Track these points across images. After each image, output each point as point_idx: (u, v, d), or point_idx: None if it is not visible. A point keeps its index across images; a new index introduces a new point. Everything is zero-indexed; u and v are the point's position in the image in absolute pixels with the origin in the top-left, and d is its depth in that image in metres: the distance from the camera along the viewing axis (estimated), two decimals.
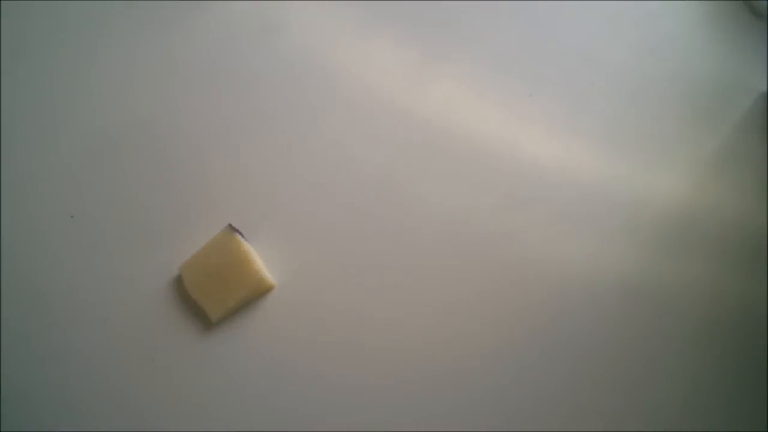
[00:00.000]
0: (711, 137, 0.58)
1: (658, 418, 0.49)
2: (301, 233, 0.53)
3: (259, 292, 0.50)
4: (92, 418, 0.48)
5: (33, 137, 0.55)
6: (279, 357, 0.49)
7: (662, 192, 0.55)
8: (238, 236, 0.50)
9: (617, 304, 0.52)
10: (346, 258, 0.52)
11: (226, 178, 0.54)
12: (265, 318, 0.50)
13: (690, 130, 0.58)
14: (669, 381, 0.50)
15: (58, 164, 0.54)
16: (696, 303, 0.52)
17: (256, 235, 0.52)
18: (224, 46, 0.58)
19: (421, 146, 0.56)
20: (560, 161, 0.56)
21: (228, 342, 0.50)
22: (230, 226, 0.51)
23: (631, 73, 0.59)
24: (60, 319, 0.50)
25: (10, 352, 0.49)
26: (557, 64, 0.59)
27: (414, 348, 0.50)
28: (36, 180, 0.53)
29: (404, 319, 0.50)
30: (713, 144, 0.57)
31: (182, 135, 0.55)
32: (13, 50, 0.57)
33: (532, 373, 0.50)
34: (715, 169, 0.56)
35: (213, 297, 0.49)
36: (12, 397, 0.48)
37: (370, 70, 0.58)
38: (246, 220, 0.52)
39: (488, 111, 0.57)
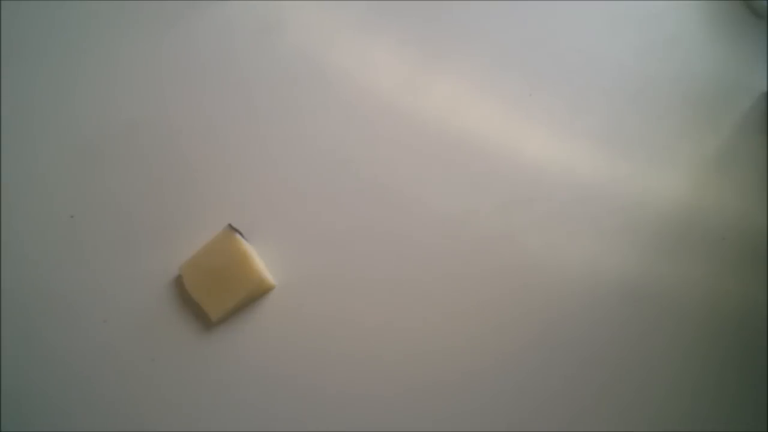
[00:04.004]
0: (711, 137, 0.58)
1: (660, 418, 0.49)
2: (301, 233, 0.53)
3: (259, 292, 0.50)
4: (93, 418, 0.48)
5: (33, 137, 0.55)
6: (279, 357, 0.49)
7: (663, 192, 0.55)
8: (238, 236, 0.50)
9: (618, 304, 0.52)
10: (346, 258, 0.52)
11: (226, 178, 0.54)
12: (265, 318, 0.50)
13: (690, 130, 0.58)
14: (670, 381, 0.50)
15: (58, 164, 0.54)
16: (697, 303, 0.52)
17: (256, 235, 0.52)
18: (224, 46, 0.58)
19: (420, 147, 0.56)
20: (561, 161, 0.56)
21: (228, 342, 0.50)
22: (230, 226, 0.51)
23: (631, 73, 0.59)
24: (60, 319, 0.50)
25: (11, 352, 0.49)
26: (557, 64, 0.59)
27: (413, 348, 0.50)
28: (36, 180, 0.53)
29: (403, 319, 0.50)
30: (714, 144, 0.57)
31: (182, 135, 0.55)
32: (12, 50, 0.57)
33: (535, 375, 0.50)
34: (715, 169, 0.56)
35: (213, 297, 0.49)
36: (12, 397, 0.48)
37: (369, 71, 0.58)
38: (246, 220, 0.52)
39: (488, 111, 0.57)
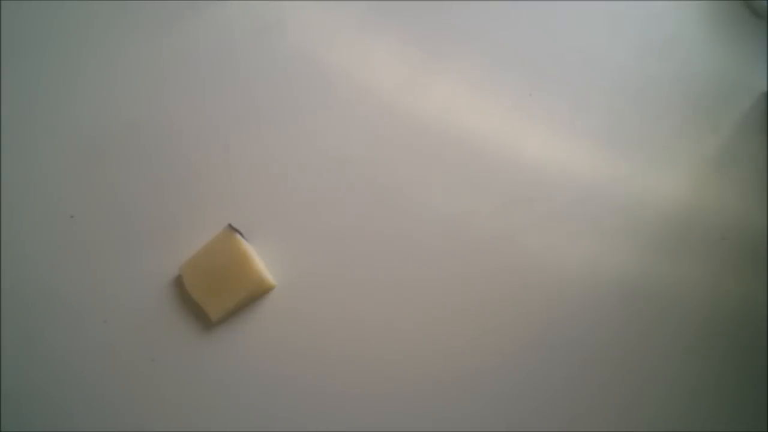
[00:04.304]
0: (711, 137, 0.58)
1: (660, 418, 0.49)
2: (301, 233, 0.53)
3: (259, 292, 0.50)
4: (93, 418, 0.48)
5: (33, 137, 0.55)
6: (279, 357, 0.49)
7: (663, 192, 0.55)
8: (238, 236, 0.50)
9: (618, 304, 0.52)
10: (346, 258, 0.52)
11: (226, 178, 0.54)
12: (265, 318, 0.50)
13: (690, 130, 0.58)
14: (670, 381, 0.50)
15: (58, 164, 0.54)
16: (697, 303, 0.52)
17: (256, 235, 0.52)
18: (224, 46, 0.58)
19: (420, 147, 0.56)
20: (561, 161, 0.56)
21: (228, 342, 0.50)
22: (230, 226, 0.51)
23: (631, 73, 0.59)
24: (60, 319, 0.50)
25: (11, 352, 0.49)
26: (558, 64, 0.59)
27: (413, 348, 0.50)
28: (36, 180, 0.53)
29: (403, 319, 0.50)
30: (714, 144, 0.57)
31: (182, 135, 0.55)
32: (12, 50, 0.57)
33: (535, 375, 0.50)
34: (715, 169, 0.57)
35: (213, 297, 0.49)
36: (12, 397, 0.48)
37: (369, 71, 0.58)
38: (246, 220, 0.52)
39: (488, 111, 0.57)
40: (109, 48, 0.58)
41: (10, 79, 0.56)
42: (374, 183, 0.54)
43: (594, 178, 0.55)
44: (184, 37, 0.58)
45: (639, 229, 0.54)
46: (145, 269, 0.51)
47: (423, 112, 0.57)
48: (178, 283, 0.51)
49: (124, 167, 0.54)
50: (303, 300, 0.51)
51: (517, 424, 0.48)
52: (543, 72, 0.59)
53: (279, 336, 0.50)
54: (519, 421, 0.48)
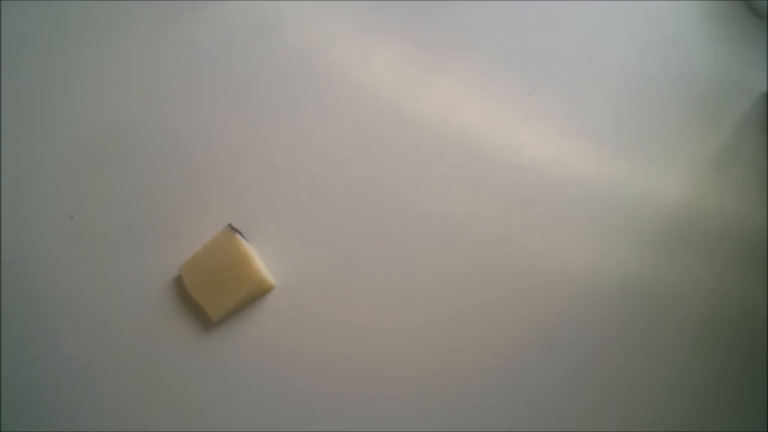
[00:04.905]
0: (712, 137, 0.58)
1: (660, 418, 0.49)
2: (301, 233, 0.53)
3: (259, 292, 0.50)
4: (93, 418, 0.48)
5: (33, 137, 0.55)
6: (279, 357, 0.49)
7: (663, 192, 0.55)
8: (238, 236, 0.50)
9: (619, 305, 0.52)
10: (346, 259, 0.52)
11: (226, 178, 0.54)
12: (265, 318, 0.50)
13: (691, 130, 0.58)
14: (671, 381, 0.50)
15: (58, 165, 0.54)
16: (697, 303, 0.52)
17: (256, 235, 0.52)
18: (222, 46, 0.58)
19: (420, 147, 0.55)
20: (561, 162, 0.56)
21: (228, 342, 0.50)
22: (230, 226, 0.51)
23: (631, 73, 0.59)
24: (60, 319, 0.50)
25: (11, 352, 0.49)
26: (558, 64, 0.59)
27: (414, 348, 0.50)
28: (36, 180, 0.53)
29: (403, 320, 0.50)
30: (714, 144, 0.57)
31: (182, 135, 0.55)
32: (12, 51, 0.57)
33: (536, 376, 0.50)
34: (715, 169, 0.56)
35: (213, 297, 0.49)
36: (12, 397, 0.48)
37: (369, 71, 0.58)
38: (246, 220, 0.52)
39: (488, 111, 0.57)
40: (108, 48, 0.58)
41: (9, 79, 0.56)
42: (374, 183, 0.54)
43: (594, 178, 0.55)
44: (183, 37, 0.58)
45: (639, 230, 0.54)
46: (145, 269, 0.51)
47: (423, 113, 0.57)
48: (178, 283, 0.51)
49: (124, 167, 0.54)
50: (303, 300, 0.51)
51: (518, 425, 0.48)
52: (543, 72, 0.59)
53: (279, 336, 0.50)
54: (520, 421, 0.48)
